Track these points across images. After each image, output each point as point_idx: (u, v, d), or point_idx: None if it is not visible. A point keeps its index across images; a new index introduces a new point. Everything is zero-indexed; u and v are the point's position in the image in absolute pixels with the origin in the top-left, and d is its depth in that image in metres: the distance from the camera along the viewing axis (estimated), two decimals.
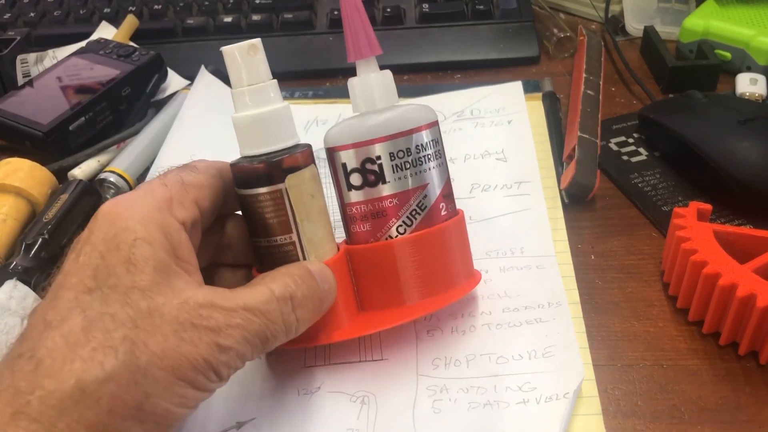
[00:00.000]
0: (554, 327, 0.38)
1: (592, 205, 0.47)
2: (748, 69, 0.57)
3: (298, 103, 0.58)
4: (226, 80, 0.58)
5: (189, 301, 0.28)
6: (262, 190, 0.33)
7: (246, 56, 0.33)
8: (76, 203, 0.47)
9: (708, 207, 0.41)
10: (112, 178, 0.49)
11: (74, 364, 0.26)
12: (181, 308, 0.28)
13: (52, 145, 0.52)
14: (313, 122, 0.55)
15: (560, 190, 0.47)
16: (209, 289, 0.30)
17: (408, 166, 0.35)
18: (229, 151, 0.52)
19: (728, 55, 0.57)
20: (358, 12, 0.35)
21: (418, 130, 0.36)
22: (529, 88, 0.57)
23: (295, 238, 0.34)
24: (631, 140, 0.52)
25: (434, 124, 0.37)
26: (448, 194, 0.37)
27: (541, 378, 0.35)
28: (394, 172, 0.35)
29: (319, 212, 0.34)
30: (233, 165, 0.34)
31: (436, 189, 0.36)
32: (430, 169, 0.36)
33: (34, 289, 0.42)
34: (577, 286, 0.41)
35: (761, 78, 0.55)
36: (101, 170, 0.51)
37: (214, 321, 0.28)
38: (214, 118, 0.54)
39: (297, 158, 0.33)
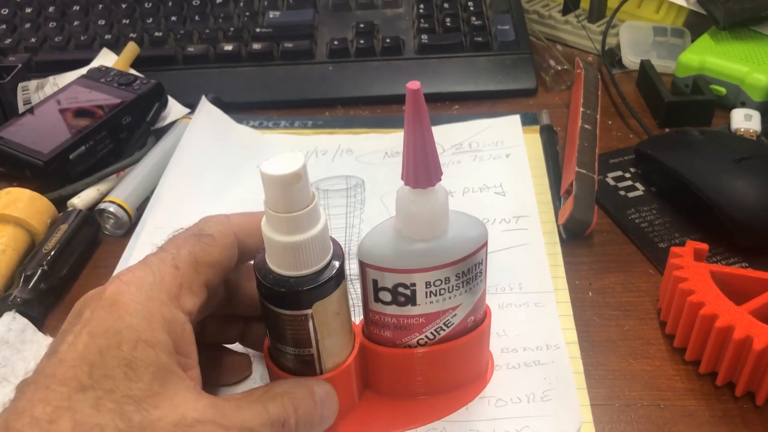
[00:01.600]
0: (553, 370, 0.38)
1: (589, 241, 0.47)
2: (743, 104, 0.58)
3: (297, 134, 0.59)
4: (226, 109, 0.59)
5: (187, 417, 0.27)
6: (288, 312, 0.31)
7: (288, 186, 0.28)
8: (76, 234, 0.47)
9: (705, 246, 0.41)
10: (112, 208, 0.49)
11: None
12: (177, 426, 0.27)
13: (52, 174, 0.52)
14: (313, 153, 0.56)
15: (558, 226, 0.48)
16: (208, 402, 0.29)
17: (444, 292, 0.33)
18: (229, 181, 0.52)
19: (723, 90, 0.58)
20: (428, 136, 0.28)
21: (463, 260, 0.32)
22: (527, 120, 0.58)
23: (314, 351, 0.33)
24: (627, 175, 0.52)
25: (482, 247, 0.33)
26: (480, 306, 0.35)
27: (540, 422, 0.35)
28: (427, 297, 0.33)
29: (342, 325, 0.33)
30: (260, 271, 0.31)
31: (470, 306, 0.34)
32: (468, 290, 0.33)
33: (34, 322, 0.42)
34: (574, 325, 0.41)
35: (756, 114, 0.56)
36: (101, 199, 0.51)
37: None
38: (215, 148, 0.55)
39: (327, 286, 0.31)
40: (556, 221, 0.48)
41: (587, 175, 0.49)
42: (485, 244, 0.33)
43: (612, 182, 0.52)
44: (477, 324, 0.35)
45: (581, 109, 0.56)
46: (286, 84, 0.64)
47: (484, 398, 0.37)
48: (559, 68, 0.63)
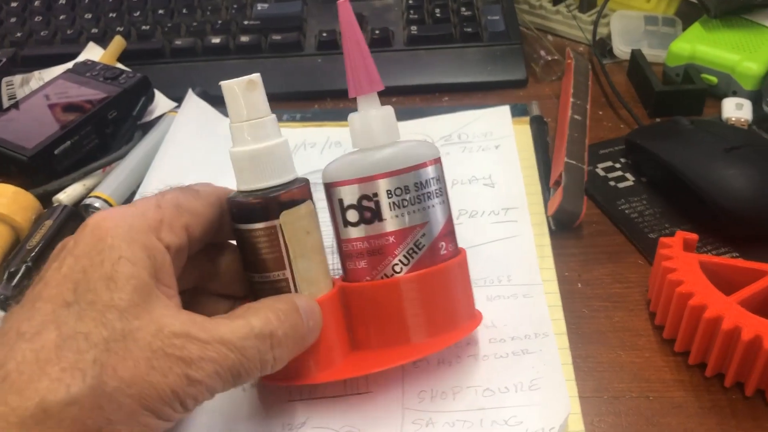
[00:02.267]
0: (541, 359, 0.38)
1: (578, 232, 0.47)
2: (734, 93, 0.57)
3: (286, 126, 0.58)
4: (213, 103, 0.58)
5: (164, 329, 0.28)
6: (258, 225, 0.33)
7: (245, 91, 0.33)
8: (61, 230, 0.47)
9: (694, 237, 0.41)
10: (98, 203, 0.49)
11: (41, 383, 0.26)
12: (156, 335, 0.28)
13: (37, 170, 0.51)
14: (301, 146, 0.55)
15: (547, 217, 0.47)
16: (187, 317, 0.29)
17: (407, 203, 0.35)
18: (216, 175, 0.51)
19: (714, 79, 0.58)
20: (359, 46, 0.35)
21: (420, 167, 0.35)
22: (517, 111, 0.57)
23: (288, 274, 0.33)
24: (618, 165, 0.52)
25: (437, 161, 0.36)
26: (449, 233, 0.36)
27: (528, 412, 0.35)
28: (391, 210, 0.34)
29: (315, 249, 0.34)
30: (230, 199, 0.34)
31: (436, 227, 0.35)
32: (430, 207, 0.35)
33: None
34: (563, 316, 0.41)
35: (747, 103, 0.55)
36: (87, 194, 0.50)
37: (187, 352, 0.28)
38: (202, 141, 0.54)
39: (293, 193, 0.33)
40: (546, 212, 0.47)
41: (576, 166, 0.49)
42: (439, 161, 0.36)
43: (602, 173, 0.51)
44: (452, 256, 0.36)
45: (571, 99, 0.55)
46: (274, 76, 0.63)
47: (471, 387, 0.37)
48: (550, 59, 0.62)
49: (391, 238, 0.35)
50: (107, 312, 0.27)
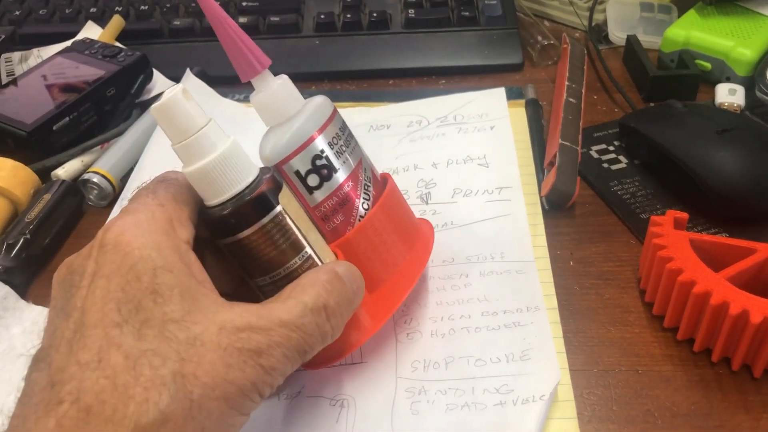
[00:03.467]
0: (532, 331, 0.38)
1: (571, 212, 0.48)
2: (728, 79, 0.58)
3: None
4: (212, 83, 0.59)
5: (227, 326, 0.27)
6: (262, 221, 0.31)
7: (175, 109, 0.30)
8: (59, 203, 0.47)
9: (685, 215, 0.41)
10: (96, 178, 0.49)
11: (128, 408, 0.24)
12: (220, 334, 0.27)
13: (36, 145, 0.51)
14: None
15: (541, 197, 0.48)
16: (242, 308, 0.29)
17: (344, 148, 0.37)
18: None
19: (708, 65, 0.58)
20: (234, 32, 0.33)
21: (334, 114, 0.37)
22: (513, 94, 0.58)
23: (310, 251, 0.33)
24: (611, 148, 0.53)
25: (336, 111, 0.38)
26: (372, 164, 0.39)
27: (518, 380, 0.36)
28: (338, 159, 0.36)
29: (310, 220, 0.35)
30: (215, 217, 0.31)
31: (366, 159, 0.38)
32: (356, 144, 0.38)
33: (16, 290, 0.42)
34: (555, 292, 0.41)
35: (740, 88, 0.56)
36: (85, 170, 0.51)
37: (255, 343, 0.28)
38: None
39: (273, 177, 0.33)
40: (539, 193, 0.48)
41: (570, 148, 0.49)
42: (336, 109, 0.38)
43: (596, 155, 0.52)
44: (385, 178, 0.39)
45: (566, 83, 0.56)
46: (271, 58, 0.62)
47: (463, 357, 0.37)
48: (546, 43, 0.63)
49: (349, 183, 0.36)
50: (166, 326, 0.26)
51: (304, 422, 0.35)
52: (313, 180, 0.36)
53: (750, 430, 0.35)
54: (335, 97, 0.59)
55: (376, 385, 0.37)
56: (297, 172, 0.35)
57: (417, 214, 0.47)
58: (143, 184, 0.32)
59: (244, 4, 0.67)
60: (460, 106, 0.56)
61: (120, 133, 0.54)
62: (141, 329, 0.26)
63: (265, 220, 0.32)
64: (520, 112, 0.56)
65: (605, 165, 0.51)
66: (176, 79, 0.59)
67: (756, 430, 0.35)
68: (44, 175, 0.51)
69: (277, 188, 0.32)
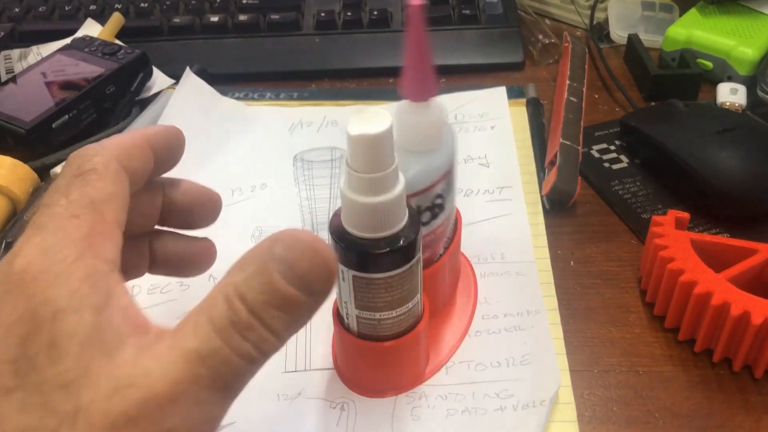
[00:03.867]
0: (532, 335, 0.38)
1: (572, 212, 0.47)
2: (729, 79, 0.58)
3: (282, 105, 0.58)
4: (211, 81, 0.58)
5: (119, 386, 0.21)
6: (409, 264, 0.31)
7: (386, 142, 0.28)
8: None
9: (686, 215, 0.41)
10: None
11: None
12: (111, 399, 0.21)
13: (35, 143, 0.51)
14: (298, 124, 0.55)
15: (541, 196, 0.48)
16: (146, 356, 0.22)
17: (452, 188, 0.36)
18: (211, 153, 0.52)
19: (710, 64, 0.58)
20: (425, 52, 0.30)
21: (453, 161, 0.35)
22: (514, 93, 0.57)
23: (420, 296, 0.33)
24: (612, 147, 0.52)
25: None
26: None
27: (518, 385, 0.36)
28: (447, 197, 0.36)
29: None
30: (365, 250, 0.30)
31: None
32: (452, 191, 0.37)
33: None
34: (555, 293, 0.41)
35: (741, 88, 0.56)
36: None
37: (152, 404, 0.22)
38: (198, 119, 0.54)
39: (419, 219, 0.32)
40: (540, 192, 0.48)
41: (571, 147, 0.49)
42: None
43: (597, 154, 0.52)
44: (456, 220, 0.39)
45: (567, 82, 0.55)
46: (272, 56, 0.63)
47: (464, 363, 0.37)
48: (547, 42, 0.63)
49: (446, 223, 0.36)
50: (52, 394, 0.21)
51: (303, 424, 0.35)
52: (425, 216, 0.35)
53: (751, 431, 0.35)
54: (336, 96, 0.59)
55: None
56: (418, 207, 0.34)
57: None
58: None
59: (244, 1, 0.67)
60: (461, 106, 0.56)
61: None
62: (28, 397, 0.21)
63: (407, 266, 0.31)
64: (521, 111, 0.56)
65: (606, 164, 0.51)
66: (176, 76, 0.59)
67: (757, 431, 0.35)
68: (43, 173, 0.51)
69: (418, 235, 0.31)
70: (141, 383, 0.21)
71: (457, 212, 0.39)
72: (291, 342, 0.39)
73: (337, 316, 0.35)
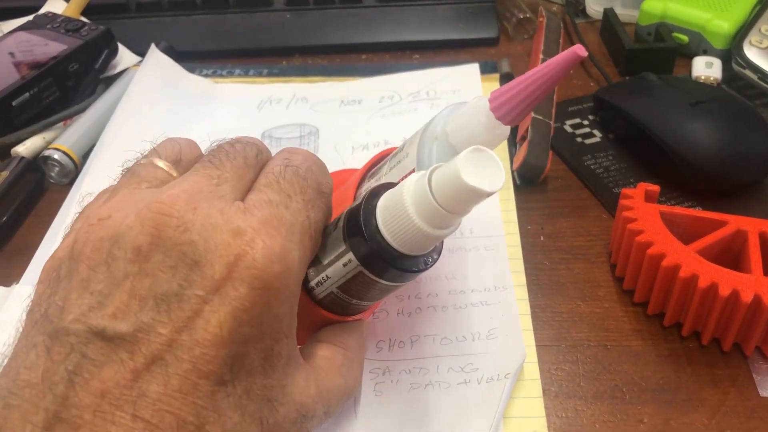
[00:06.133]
0: (499, 310, 0.38)
1: (543, 187, 0.47)
2: (705, 52, 0.57)
3: (251, 82, 0.57)
4: (179, 58, 0.57)
5: (303, 410, 0.25)
6: (404, 283, 0.29)
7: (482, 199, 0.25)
8: (18, 181, 0.46)
9: (656, 188, 0.40)
10: (57, 155, 0.48)
11: None
12: (295, 423, 0.25)
13: None
14: (267, 101, 0.54)
15: (512, 171, 0.47)
16: (314, 385, 0.27)
17: None
18: (177, 131, 0.50)
19: (685, 38, 0.57)
20: (538, 95, 0.30)
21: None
22: (487, 69, 0.57)
23: None
24: (585, 122, 0.52)
25: None
26: None
27: (483, 359, 0.35)
28: None
29: None
30: (404, 268, 0.28)
31: None
32: None
33: None
34: (524, 268, 0.41)
35: (717, 61, 0.55)
36: (46, 147, 0.49)
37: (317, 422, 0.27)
38: (164, 96, 0.53)
39: None
40: (511, 167, 0.47)
41: (543, 121, 0.48)
42: None
43: (569, 129, 0.51)
44: None
45: (541, 56, 0.55)
46: (241, 32, 0.62)
47: (428, 336, 0.37)
48: (522, 17, 0.62)
49: None
50: (262, 404, 0.23)
51: None
52: None
53: (718, 404, 0.34)
54: (306, 72, 0.58)
55: None
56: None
57: None
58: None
59: None
60: (433, 82, 0.55)
61: (83, 110, 0.52)
62: (242, 399, 0.22)
63: (401, 281, 0.29)
64: (494, 87, 0.54)
65: (579, 139, 0.50)
66: (143, 54, 0.57)
67: (724, 404, 0.34)
68: (4, 152, 0.49)
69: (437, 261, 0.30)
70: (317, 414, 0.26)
71: None
72: None
73: (304, 286, 0.33)
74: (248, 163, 0.26)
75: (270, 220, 0.24)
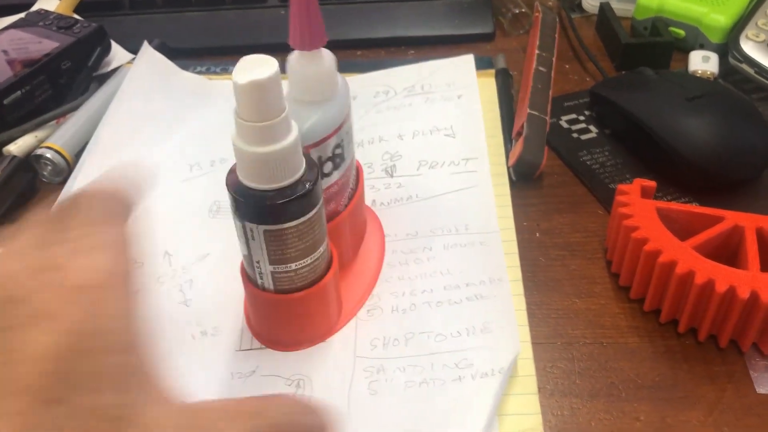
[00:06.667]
0: (494, 303, 0.37)
1: (539, 183, 0.46)
2: (701, 47, 0.56)
3: None
4: (172, 55, 0.57)
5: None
6: (314, 212, 0.31)
7: (273, 87, 0.28)
8: (10, 179, 0.46)
9: (652, 184, 0.40)
10: (49, 154, 0.48)
11: None
12: None
13: None
14: None
15: (508, 168, 0.46)
16: (181, 418, 0.23)
17: (351, 136, 0.37)
18: (170, 129, 0.50)
19: (682, 32, 0.57)
20: (309, 5, 0.31)
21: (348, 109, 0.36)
22: (483, 64, 0.56)
23: (327, 240, 0.34)
24: (582, 118, 0.51)
25: None
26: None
27: (478, 354, 0.35)
28: (348, 147, 0.36)
29: None
30: (264, 202, 0.30)
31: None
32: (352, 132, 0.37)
33: None
34: (520, 264, 0.40)
35: (713, 56, 0.55)
36: (38, 146, 0.49)
37: None
38: (156, 94, 0.53)
39: (318, 167, 0.33)
40: (507, 164, 0.47)
41: (539, 117, 0.48)
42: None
43: (565, 125, 0.51)
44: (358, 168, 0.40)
45: (536, 51, 0.54)
46: (236, 29, 0.62)
47: (423, 333, 0.36)
48: (518, 12, 0.61)
49: (349, 172, 0.37)
50: (99, 424, 0.21)
51: None
52: (327, 167, 0.35)
53: (715, 401, 0.34)
54: None
55: (333, 364, 0.36)
56: (319, 158, 0.34)
57: (382, 187, 0.46)
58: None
59: None
60: (427, 75, 0.54)
61: (76, 108, 0.52)
62: (71, 415, 0.21)
63: (314, 210, 0.31)
64: (490, 83, 0.54)
65: (575, 135, 0.50)
66: (137, 51, 0.57)
67: (721, 401, 0.34)
68: None
69: (319, 179, 0.32)
70: None
71: (358, 163, 0.40)
72: (244, 320, 0.38)
73: (247, 278, 0.35)
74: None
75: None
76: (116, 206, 0.25)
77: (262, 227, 0.31)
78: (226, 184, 0.31)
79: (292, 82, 0.34)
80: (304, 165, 0.31)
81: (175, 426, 0.22)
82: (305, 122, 0.33)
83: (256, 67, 0.28)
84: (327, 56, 0.33)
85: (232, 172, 0.31)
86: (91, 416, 0.21)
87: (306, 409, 0.24)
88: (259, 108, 0.28)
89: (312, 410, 0.25)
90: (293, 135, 0.30)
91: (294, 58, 0.33)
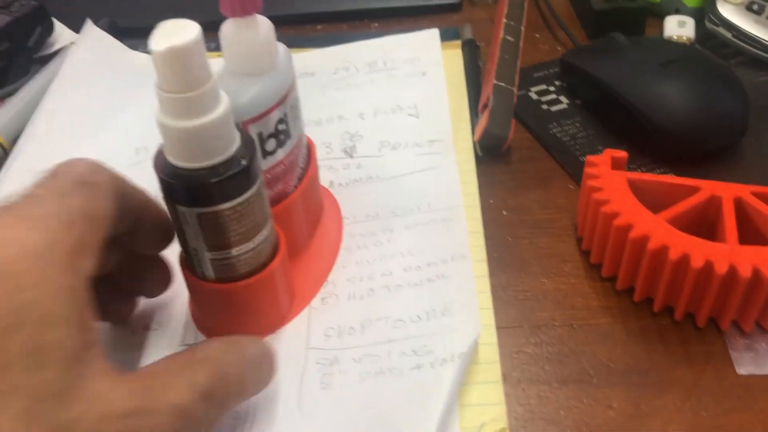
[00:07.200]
0: (455, 282, 0.35)
1: (507, 158, 0.44)
2: (677, 11, 0.54)
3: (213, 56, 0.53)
4: (123, 35, 0.54)
5: (112, 410, 0.22)
6: (246, 194, 0.28)
7: (195, 55, 0.25)
8: None
9: (623, 154, 0.38)
10: None
11: None
12: (102, 420, 0.22)
13: None
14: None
15: (474, 143, 0.44)
16: (131, 387, 0.24)
17: (297, 112, 0.34)
18: (115, 113, 0.47)
19: None
20: None
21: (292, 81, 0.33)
22: (448, 35, 0.53)
23: (270, 223, 0.31)
24: (552, 88, 0.49)
25: None
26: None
27: (437, 339, 0.32)
28: (293, 123, 0.33)
29: None
30: (194, 182, 0.27)
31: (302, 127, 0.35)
32: (300, 111, 0.35)
33: None
34: (485, 243, 0.38)
35: (689, 20, 0.52)
36: None
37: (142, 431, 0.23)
38: (101, 76, 0.50)
39: (254, 144, 0.30)
40: (472, 138, 0.44)
41: (506, 88, 0.45)
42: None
43: (535, 96, 0.48)
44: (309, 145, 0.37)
45: (504, 20, 0.51)
46: (188, 5, 0.58)
47: (381, 319, 0.34)
48: None
49: (297, 150, 0.34)
50: (38, 401, 0.21)
51: None
52: (270, 145, 0.32)
53: (692, 384, 0.32)
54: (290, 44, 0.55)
55: (283, 358, 0.33)
56: (260, 134, 0.32)
57: (340, 168, 0.43)
58: (50, 171, 0.26)
59: None
60: (390, 51, 0.51)
61: (15, 91, 0.49)
62: (7, 397, 0.20)
63: (252, 190, 0.29)
64: (456, 54, 0.52)
65: (545, 106, 0.47)
66: None
67: (699, 383, 0.32)
68: None
69: (256, 155, 0.29)
70: (137, 412, 0.23)
71: (310, 141, 0.37)
72: (188, 314, 0.35)
73: (187, 267, 0.32)
74: None
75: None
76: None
77: (195, 209, 0.28)
78: (153, 166, 0.28)
79: (226, 53, 0.31)
80: (238, 140, 0.28)
81: (129, 393, 0.23)
82: (243, 95, 0.31)
83: (176, 32, 0.25)
84: (263, 23, 0.31)
85: (159, 153, 0.28)
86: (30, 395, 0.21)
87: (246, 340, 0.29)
88: (182, 77, 0.25)
89: (253, 339, 0.29)
90: (223, 106, 0.27)
91: (227, 26, 0.30)
